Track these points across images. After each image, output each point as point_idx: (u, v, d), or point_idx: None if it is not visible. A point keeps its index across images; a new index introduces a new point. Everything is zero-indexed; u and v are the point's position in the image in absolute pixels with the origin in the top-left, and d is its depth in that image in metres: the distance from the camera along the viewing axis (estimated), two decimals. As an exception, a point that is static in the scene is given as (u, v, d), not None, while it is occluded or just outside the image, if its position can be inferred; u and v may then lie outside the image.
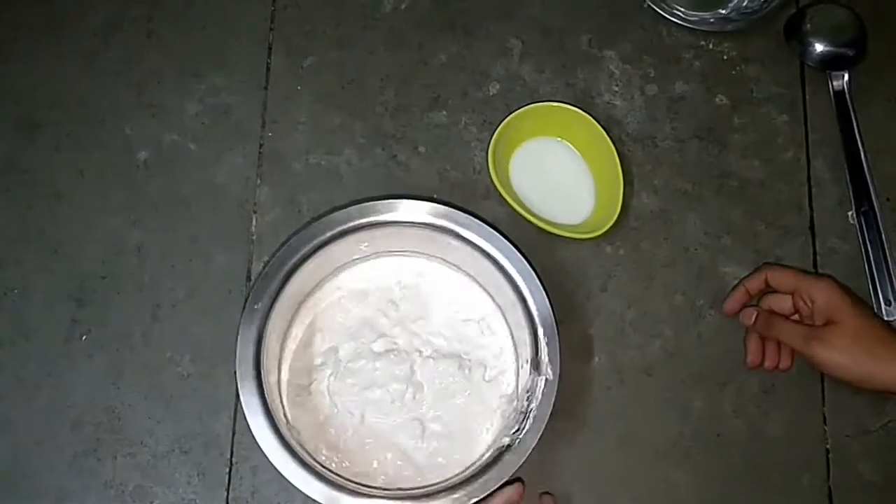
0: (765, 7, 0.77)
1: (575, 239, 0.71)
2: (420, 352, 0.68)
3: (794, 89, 0.76)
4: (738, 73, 0.77)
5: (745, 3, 0.78)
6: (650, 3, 0.76)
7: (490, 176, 0.70)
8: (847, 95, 0.75)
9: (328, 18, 0.77)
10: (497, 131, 0.71)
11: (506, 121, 0.71)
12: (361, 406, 0.66)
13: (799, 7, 0.77)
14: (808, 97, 0.76)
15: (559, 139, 0.74)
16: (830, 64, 0.75)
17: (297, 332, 0.68)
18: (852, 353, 0.62)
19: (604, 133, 0.71)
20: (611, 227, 0.70)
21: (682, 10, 0.77)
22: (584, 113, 0.72)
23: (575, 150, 0.74)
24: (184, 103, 0.74)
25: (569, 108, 0.72)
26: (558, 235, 0.70)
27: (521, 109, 0.72)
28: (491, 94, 0.76)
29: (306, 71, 0.75)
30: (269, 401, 0.60)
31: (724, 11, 0.78)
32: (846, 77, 0.75)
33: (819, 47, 0.75)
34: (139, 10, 0.76)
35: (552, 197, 0.73)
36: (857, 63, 0.75)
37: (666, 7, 0.76)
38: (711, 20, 0.78)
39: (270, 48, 0.76)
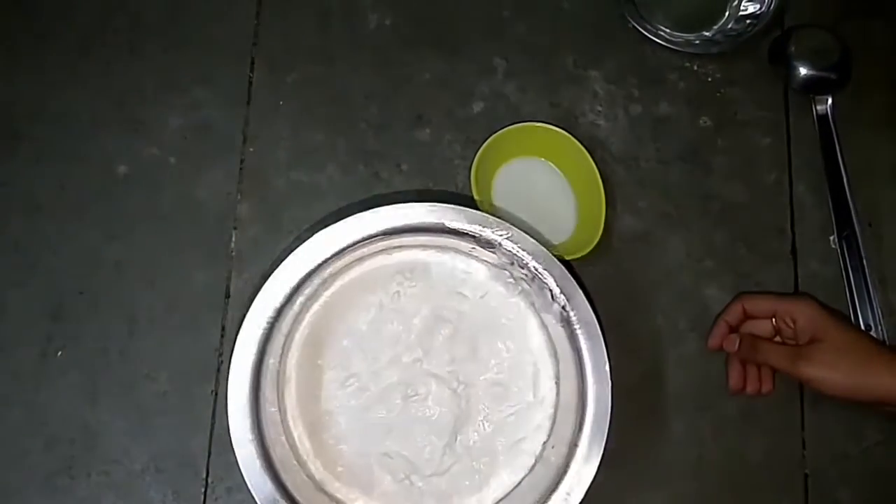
0: (749, 30, 0.77)
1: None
2: (458, 378, 0.64)
3: (777, 113, 0.76)
4: (723, 96, 0.77)
5: (729, 26, 0.78)
6: (635, 24, 0.76)
7: (472, 195, 0.70)
8: (830, 120, 0.75)
9: (312, 34, 0.76)
10: (480, 150, 0.70)
11: (489, 140, 0.71)
12: (386, 435, 0.63)
13: (784, 30, 0.77)
14: (791, 121, 0.76)
15: (542, 159, 0.74)
16: (814, 88, 0.76)
17: (301, 357, 0.63)
18: (841, 368, 0.62)
19: (587, 154, 0.71)
20: (593, 249, 0.69)
21: (667, 31, 0.77)
22: (567, 134, 0.72)
23: (558, 170, 0.74)
24: (165, 118, 0.74)
25: (552, 129, 0.72)
26: None
27: (505, 129, 0.71)
28: (475, 112, 0.75)
29: (289, 87, 0.75)
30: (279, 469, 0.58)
31: (708, 34, 0.78)
32: (830, 101, 0.75)
33: (803, 71, 0.76)
34: (121, 24, 0.75)
35: (534, 217, 0.72)
36: (841, 88, 0.76)
37: (651, 28, 0.76)
38: (696, 42, 0.78)
39: (253, 63, 0.75)
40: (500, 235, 0.60)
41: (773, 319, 0.68)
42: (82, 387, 0.68)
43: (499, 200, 0.72)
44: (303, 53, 0.76)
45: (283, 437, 0.61)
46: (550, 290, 0.60)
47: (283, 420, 0.61)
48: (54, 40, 0.75)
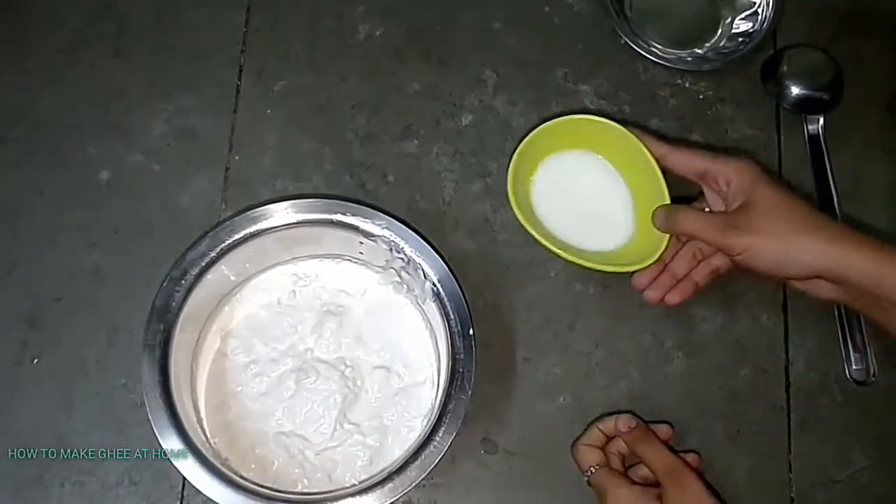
0: (742, 48, 0.77)
1: (612, 273, 0.65)
2: (345, 362, 0.68)
3: (769, 131, 0.76)
4: (714, 113, 0.76)
5: (722, 43, 0.78)
6: (627, 40, 0.75)
7: (507, 193, 0.63)
8: (821, 139, 0.74)
9: (301, 42, 0.76)
10: (519, 149, 0.64)
11: (529, 136, 0.64)
12: (282, 415, 0.67)
13: (776, 49, 0.77)
14: (782, 139, 0.76)
15: (591, 152, 0.67)
16: (806, 107, 0.75)
17: (212, 345, 0.68)
18: (770, 232, 0.58)
19: (644, 149, 0.64)
20: (660, 257, 0.64)
21: (659, 48, 0.77)
22: (624, 129, 0.65)
23: (611, 166, 0.67)
24: (150, 124, 0.73)
25: (602, 122, 0.65)
26: (591, 269, 0.64)
27: (548, 124, 0.65)
28: (463, 124, 0.75)
29: (276, 95, 0.74)
30: (185, 423, 0.60)
31: (700, 51, 0.78)
32: (821, 121, 0.75)
33: (795, 90, 0.75)
34: (107, 28, 0.75)
35: (583, 219, 0.67)
36: (833, 107, 0.75)
37: (643, 44, 0.76)
38: (688, 59, 0.77)
39: (241, 70, 0.75)
40: (379, 226, 0.65)
41: (706, 179, 0.64)
42: (58, 395, 0.67)
43: (538, 204, 0.67)
44: (291, 62, 0.75)
45: (196, 423, 0.64)
46: (423, 271, 0.65)
47: (195, 405, 0.65)
48: (38, 43, 0.74)
